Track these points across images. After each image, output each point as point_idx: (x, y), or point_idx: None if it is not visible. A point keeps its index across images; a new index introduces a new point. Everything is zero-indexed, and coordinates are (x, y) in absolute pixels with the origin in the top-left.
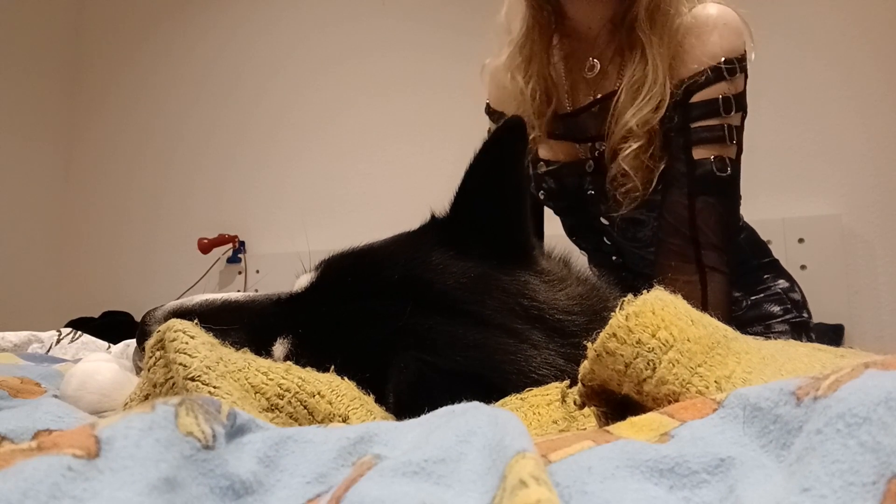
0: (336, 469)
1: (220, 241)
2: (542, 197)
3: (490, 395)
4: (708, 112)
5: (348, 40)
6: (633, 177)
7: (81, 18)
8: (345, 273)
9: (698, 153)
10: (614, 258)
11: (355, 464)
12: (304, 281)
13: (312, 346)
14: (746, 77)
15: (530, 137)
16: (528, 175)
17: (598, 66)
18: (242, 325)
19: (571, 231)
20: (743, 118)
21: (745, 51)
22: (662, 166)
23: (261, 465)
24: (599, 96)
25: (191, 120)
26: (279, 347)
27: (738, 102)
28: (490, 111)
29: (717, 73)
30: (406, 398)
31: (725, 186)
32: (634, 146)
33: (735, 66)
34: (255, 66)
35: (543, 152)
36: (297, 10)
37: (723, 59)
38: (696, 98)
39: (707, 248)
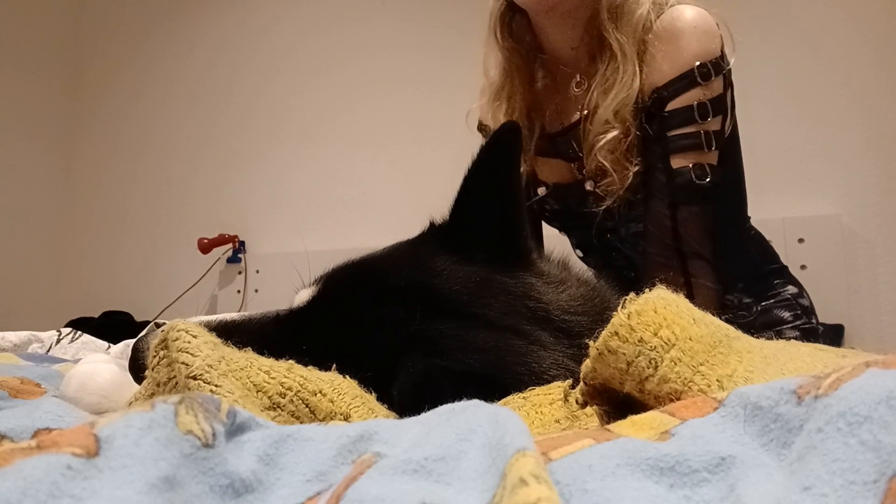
0: (336, 467)
1: (220, 241)
2: (546, 218)
3: (500, 396)
4: (684, 120)
5: (348, 40)
6: (611, 171)
7: (81, 18)
8: (348, 284)
9: (676, 162)
10: (624, 272)
11: (355, 462)
12: (304, 295)
13: (320, 359)
14: (726, 78)
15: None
16: (523, 180)
17: (585, 81)
18: (242, 346)
19: (579, 249)
20: (724, 121)
21: (721, 52)
22: (636, 168)
23: (260, 464)
24: (587, 112)
25: (190, 120)
26: None
27: (716, 106)
28: (481, 127)
29: (690, 79)
30: (409, 400)
31: (706, 194)
32: (609, 136)
33: (709, 70)
34: (254, 67)
35: (541, 174)
36: (297, 10)
37: (696, 63)
38: (671, 106)
39: (692, 257)
